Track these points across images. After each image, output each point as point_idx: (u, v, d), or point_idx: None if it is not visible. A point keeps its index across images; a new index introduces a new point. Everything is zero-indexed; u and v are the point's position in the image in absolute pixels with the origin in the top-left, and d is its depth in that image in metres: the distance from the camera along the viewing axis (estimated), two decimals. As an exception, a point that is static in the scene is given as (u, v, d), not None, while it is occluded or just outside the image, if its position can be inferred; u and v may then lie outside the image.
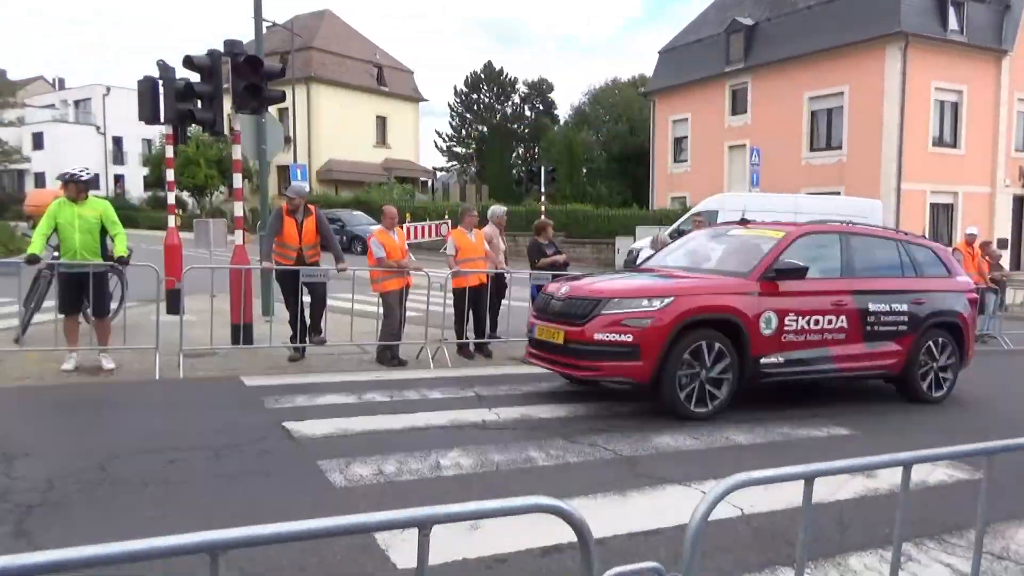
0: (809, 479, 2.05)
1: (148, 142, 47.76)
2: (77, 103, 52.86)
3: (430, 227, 27.93)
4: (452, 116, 55.41)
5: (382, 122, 45.93)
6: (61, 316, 7.31)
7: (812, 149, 27.13)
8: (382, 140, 45.92)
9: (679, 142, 33.15)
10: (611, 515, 4.05)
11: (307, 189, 8.85)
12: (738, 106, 29.96)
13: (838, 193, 23.82)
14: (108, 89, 50.33)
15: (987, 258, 13.58)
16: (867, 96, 24.95)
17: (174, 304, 8.90)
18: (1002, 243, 24.92)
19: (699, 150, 31.68)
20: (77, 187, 7.14)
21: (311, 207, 8.34)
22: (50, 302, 8.11)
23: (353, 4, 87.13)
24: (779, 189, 23.26)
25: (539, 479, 4.64)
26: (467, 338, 8.98)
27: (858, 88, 25.31)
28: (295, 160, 33.05)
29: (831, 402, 7.39)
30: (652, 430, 5.87)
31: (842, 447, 5.72)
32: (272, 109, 11.28)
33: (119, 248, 7.24)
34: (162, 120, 9.62)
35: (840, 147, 26.13)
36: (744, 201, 19.56)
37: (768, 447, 5.66)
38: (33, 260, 7.03)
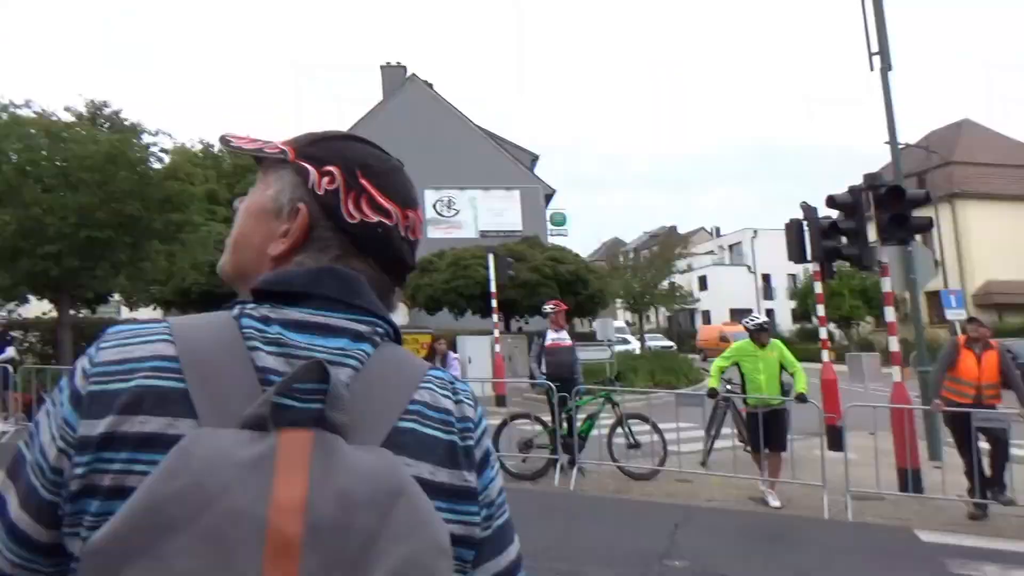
0: None
1: (793, 276, 50.60)
2: (731, 247, 60.01)
3: None
4: None
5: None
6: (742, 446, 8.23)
7: None
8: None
9: None
10: None
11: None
12: None
13: None
14: (755, 232, 55.77)
15: None
16: None
17: (835, 441, 8.94)
18: None
19: None
20: (768, 334, 8.04)
21: (992, 341, 7.56)
22: (727, 430, 9.25)
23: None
24: None
25: None
26: None
27: None
28: (945, 285, 30.23)
29: None
30: None
31: None
32: (917, 235, 10.79)
33: (799, 385, 7.78)
34: (809, 258, 10.23)
35: None
36: None
37: None
38: (712, 394, 8.25)
